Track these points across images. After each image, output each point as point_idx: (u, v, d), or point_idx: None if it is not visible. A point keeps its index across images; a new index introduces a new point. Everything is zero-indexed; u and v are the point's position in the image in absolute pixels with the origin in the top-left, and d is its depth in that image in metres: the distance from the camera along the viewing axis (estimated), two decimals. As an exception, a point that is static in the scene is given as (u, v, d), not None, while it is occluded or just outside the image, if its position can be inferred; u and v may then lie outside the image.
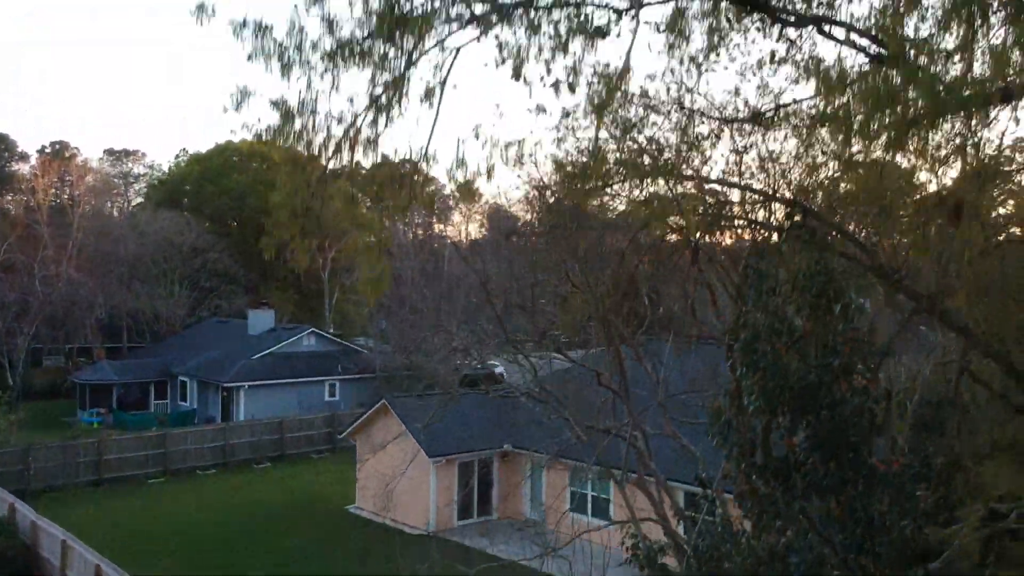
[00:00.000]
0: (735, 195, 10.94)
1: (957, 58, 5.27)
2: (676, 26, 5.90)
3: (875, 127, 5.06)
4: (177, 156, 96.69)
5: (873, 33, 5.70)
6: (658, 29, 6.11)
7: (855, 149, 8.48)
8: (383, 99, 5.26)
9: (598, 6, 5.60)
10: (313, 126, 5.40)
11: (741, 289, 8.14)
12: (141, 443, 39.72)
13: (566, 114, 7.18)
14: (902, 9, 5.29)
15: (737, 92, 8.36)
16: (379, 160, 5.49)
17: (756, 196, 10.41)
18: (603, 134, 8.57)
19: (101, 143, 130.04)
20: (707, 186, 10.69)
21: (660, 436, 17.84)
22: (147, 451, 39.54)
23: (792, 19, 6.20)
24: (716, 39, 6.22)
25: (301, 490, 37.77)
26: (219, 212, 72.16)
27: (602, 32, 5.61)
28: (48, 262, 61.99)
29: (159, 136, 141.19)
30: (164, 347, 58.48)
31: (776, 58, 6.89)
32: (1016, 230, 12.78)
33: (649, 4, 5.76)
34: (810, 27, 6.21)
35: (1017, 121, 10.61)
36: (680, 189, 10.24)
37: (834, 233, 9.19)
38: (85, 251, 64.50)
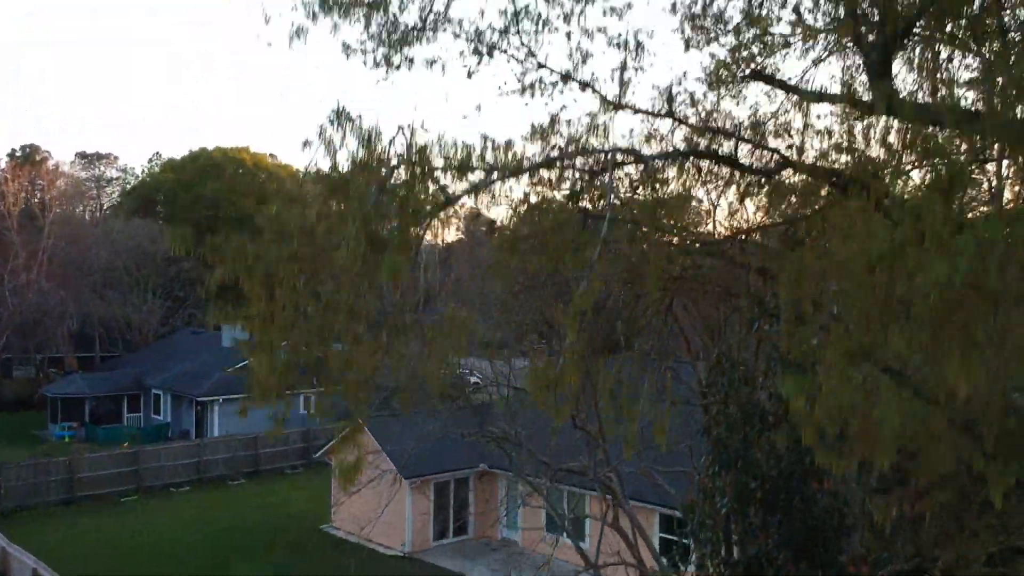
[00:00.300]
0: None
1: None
2: (648, 184, 6.03)
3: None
4: (151, 160, 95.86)
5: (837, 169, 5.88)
6: (632, 187, 6.23)
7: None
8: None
9: (576, 169, 5.71)
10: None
11: (715, 380, 8.29)
12: (114, 460, 39.32)
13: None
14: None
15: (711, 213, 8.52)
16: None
17: (730, 263, 10.51)
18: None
19: (72, 146, 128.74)
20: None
21: (635, 471, 17.96)
22: (120, 468, 39.15)
23: (762, 166, 6.37)
24: (687, 187, 6.38)
25: (276, 508, 37.59)
26: (194, 219, 71.61)
27: (576, 196, 5.72)
28: (19, 270, 61.20)
29: (132, 139, 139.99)
30: (137, 358, 57.94)
31: (746, 199, 7.07)
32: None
33: (622, 164, 5.87)
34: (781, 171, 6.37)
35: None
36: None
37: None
38: (56, 259, 63.75)
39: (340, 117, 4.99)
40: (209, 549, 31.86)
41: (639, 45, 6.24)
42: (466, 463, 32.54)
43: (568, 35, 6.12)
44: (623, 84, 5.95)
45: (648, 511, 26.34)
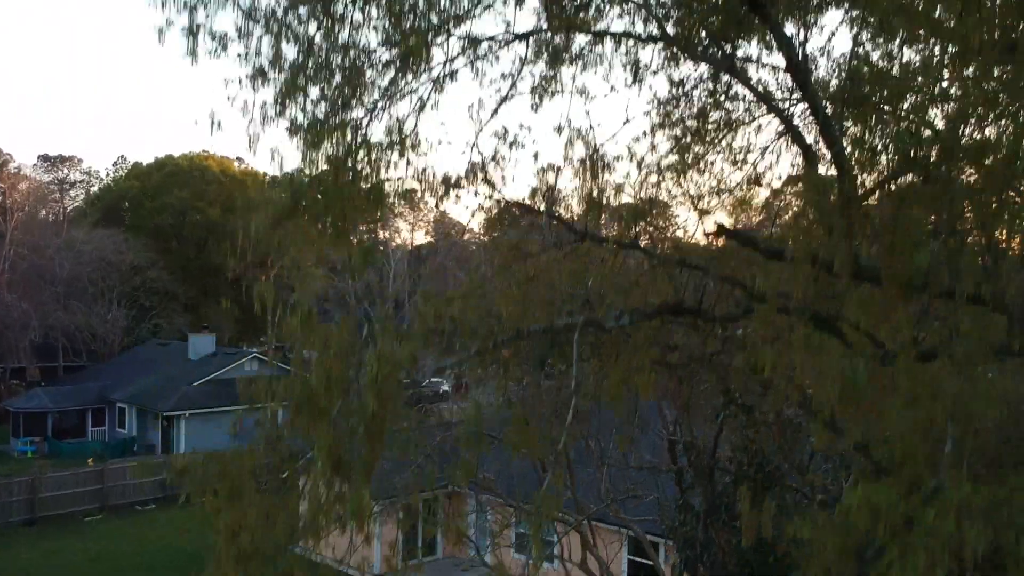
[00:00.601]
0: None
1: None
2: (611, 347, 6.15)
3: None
4: (115, 163, 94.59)
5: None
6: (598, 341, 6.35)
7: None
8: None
9: (556, 333, 5.78)
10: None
11: (681, 472, 8.37)
12: (78, 479, 38.72)
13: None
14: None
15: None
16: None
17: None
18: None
19: (35, 148, 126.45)
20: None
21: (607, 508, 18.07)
22: (84, 487, 38.56)
23: (726, 314, 6.52)
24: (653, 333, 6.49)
25: (244, 527, 37.32)
26: (159, 228, 70.72)
27: (542, 363, 5.82)
28: (-20, 280, 60.12)
29: (96, 141, 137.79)
30: (102, 371, 57.13)
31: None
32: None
33: (586, 328, 5.97)
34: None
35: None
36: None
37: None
38: (18, 268, 62.66)
39: (307, 322, 5.03)
40: (176, 571, 31.54)
41: (605, 166, 6.35)
42: (435, 482, 32.43)
43: (535, 156, 6.23)
44: (590, 208, 6.06)
45: (617, 534, 26.45)
